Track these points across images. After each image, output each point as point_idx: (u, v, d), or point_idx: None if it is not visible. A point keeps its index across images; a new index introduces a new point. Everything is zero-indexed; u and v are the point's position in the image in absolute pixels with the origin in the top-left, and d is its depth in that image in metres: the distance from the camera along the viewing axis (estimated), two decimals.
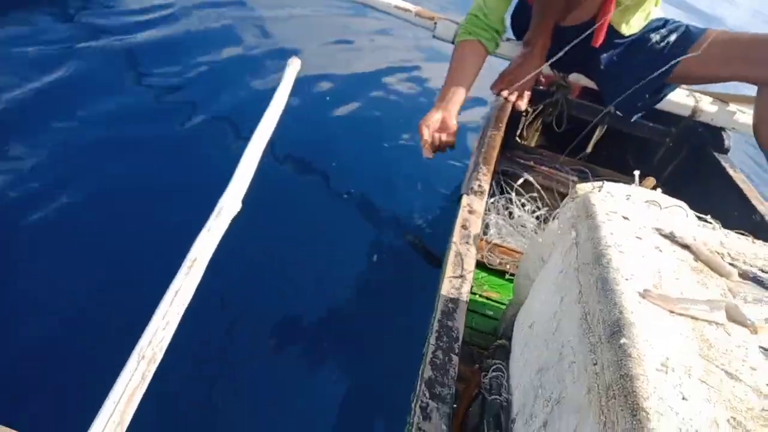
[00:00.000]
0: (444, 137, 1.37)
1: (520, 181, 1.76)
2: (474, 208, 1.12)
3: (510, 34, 1.87)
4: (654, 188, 1.46)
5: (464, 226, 1.05)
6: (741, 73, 1.51)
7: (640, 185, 1.37)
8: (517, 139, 2.08)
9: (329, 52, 2.28)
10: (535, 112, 2.04)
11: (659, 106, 1.77)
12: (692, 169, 1.89)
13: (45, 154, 1.53)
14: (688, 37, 1.57)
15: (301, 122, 1.81)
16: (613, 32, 1.62)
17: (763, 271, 0.72)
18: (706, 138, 1.85)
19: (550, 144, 2.14)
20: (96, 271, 1.28)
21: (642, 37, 1.63)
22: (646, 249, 0.66)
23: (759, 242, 0.74)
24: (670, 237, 0.70)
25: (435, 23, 1.83)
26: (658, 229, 0.71)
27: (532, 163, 1.89)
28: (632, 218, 0.72)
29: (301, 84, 1.49)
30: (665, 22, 1.64)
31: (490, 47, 1.60)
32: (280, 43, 2.25)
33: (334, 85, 2.08)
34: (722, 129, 1.81)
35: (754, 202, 1.52)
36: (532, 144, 2.19)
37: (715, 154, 1.81)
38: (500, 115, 1.62)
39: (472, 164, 1.36)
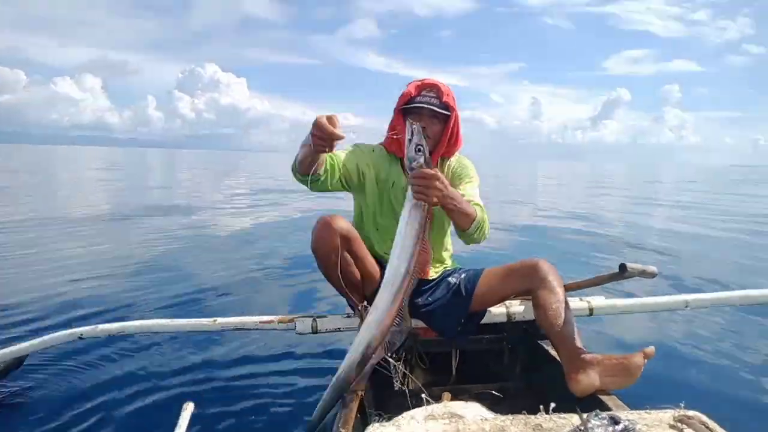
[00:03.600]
0: None
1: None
2: None
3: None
4: (451, 399, 1.79)
5: None
6: (516, 289, 2.06)
7: (440, 400, 1.71)
8: (402, 387, 2.37)
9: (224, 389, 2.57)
10: (400, 361, 2.39)
11: (486, 320, 2.21)
12: (531, 359, 2.26)
13: None
14: (476, 274, 2.13)
15: None
16: (420, 280, 2.13)
17: None
18: (529, 332, 2.26)
19: (433, 379, 2.43)
20: None
21: (442, 281, 2.16)
22: None
23: None
24: None
25: (295, 323, 2.22)
26: None
27: (413, 404, 2.14)
28: None
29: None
30: (456, 269, 2.21)
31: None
32: (176, 388, 2.51)
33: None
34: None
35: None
36: (418, 387, 2.48)
37: (539, 341, 2.21)
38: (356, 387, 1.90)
39: None
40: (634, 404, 1.46)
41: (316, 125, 1.50)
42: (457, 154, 2.21)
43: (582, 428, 1.03)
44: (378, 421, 1.27)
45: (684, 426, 1.09)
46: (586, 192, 19.34)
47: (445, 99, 2.02)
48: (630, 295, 3.29)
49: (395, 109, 2.06)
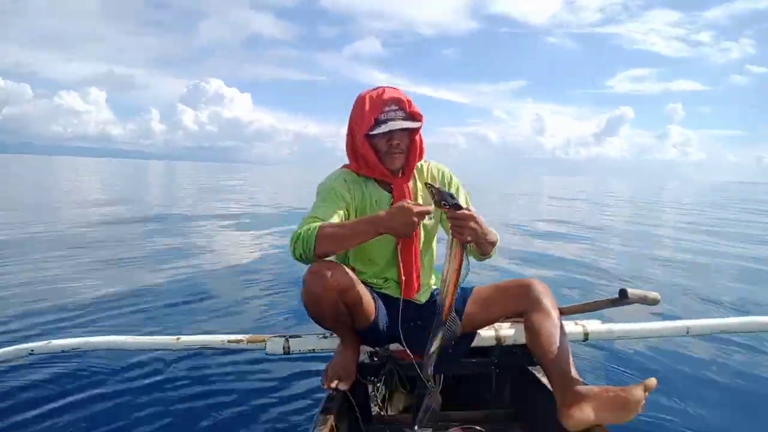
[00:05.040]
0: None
1: None
2: None
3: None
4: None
5: None
6: (508, 310, 1.90)
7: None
8: (381, 412, 2.22)
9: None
10: (381, 384, 2.23)
11: (474, 343, 2.05)
12: (520, 386, 2.11)
13: None
14: (464, 293, 1.97)
15: None
16: (410, 304, 1.97)
17: None
18: (519, 357, 2.11)
19: (415, 404, 2.28)
20: None
21: (431, 303, 2.00)
22: None
23: None
24: None
25: (265, 343, 2.06)
26: None
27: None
28: None
29: None
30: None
31: None
32: (130, 411, 2.33)
33: None
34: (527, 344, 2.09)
35: None
36: (398, 411, 2.32)
37: (530, 368, 2.05)
38: (328, 408, 1.76)
39: None
40: None
41: (412, 215, 1.59)
42: (427, 159, 2.07)
43: None
44: None
45: None
46: (590, 209, 19.17)
47: (410, 109, 1.87)
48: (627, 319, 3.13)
49: (361, 133, 1.86)
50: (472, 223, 1.60)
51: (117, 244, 7.08)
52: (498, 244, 1.89)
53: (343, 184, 1.94)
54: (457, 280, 1.65)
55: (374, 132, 1.84)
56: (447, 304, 1.65)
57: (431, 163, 2.09)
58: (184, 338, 2.04)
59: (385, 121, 1.84)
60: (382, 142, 1.88)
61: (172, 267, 5.71)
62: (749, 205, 25.31)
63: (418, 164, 2.04)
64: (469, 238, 1.63)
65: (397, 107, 1.86)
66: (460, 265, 1.65)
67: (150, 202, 14.77)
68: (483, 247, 1.82)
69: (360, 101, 1.88)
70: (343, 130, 2.01)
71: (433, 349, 1.69)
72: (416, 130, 1.92)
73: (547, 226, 12.32)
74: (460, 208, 1.62)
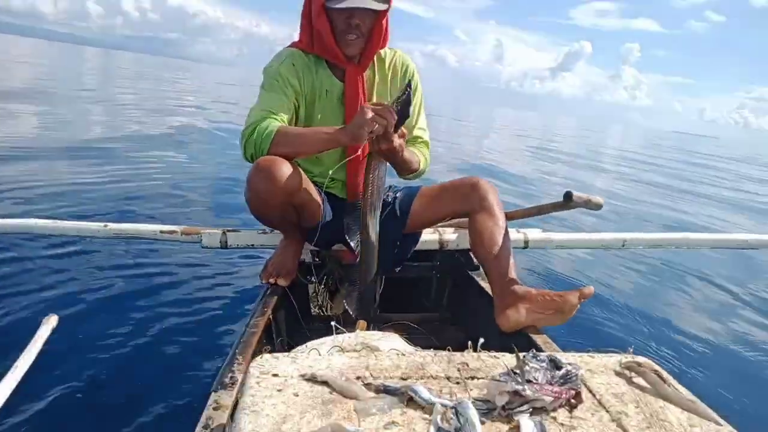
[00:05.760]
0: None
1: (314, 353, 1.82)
2: (221, 404, 1.11)
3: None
4: (367, 328, 1.63)
5: (206, 426, 1.03)
6: (453, 209, 1.86)
7: (355, 329, 1.54)
8: (321, 312, 2.21)
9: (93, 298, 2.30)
10: (321, 284, 2.21)
11: (417, 247, 2.03)
12: (459, 290, 2.13)
13: None
14: (410, 193, 1.91)
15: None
16: (356, 205, 1.90)
17: (402, 379, 0.84)
18: (460, 261, 2.12)
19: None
20: None
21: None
22: (282, 398, 0.75)
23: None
24: (311, 378, 0.80)
25: (200, 236, 1.96)
26: (302, 375, 0.81)
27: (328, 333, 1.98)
28: (281, 373, 0.81)
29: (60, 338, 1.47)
30: (390, 186, 1.98)
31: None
32: (36, 300, 2.21)
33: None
34: (469, 250, 2.09)
35: None
36: (339, 313, 2.32)
37: (469, 272, 2.07)
38: (267, 301, 1.72)
39: (229, 357, 1.35)
40: (567, 346, 1.36)
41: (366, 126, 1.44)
42: (393, 47, 1.88)
43: (517, 371, 0.85)
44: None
45: (633, 374, 0.94)
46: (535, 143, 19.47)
47: None
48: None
49: (318, 2, 1.65)
50: (384, 145, 1.51)
51: (45, 121, 6.57)
52: (422, 171, 1.85)
53: (291, 69, 1.75)
54: (367, 181, 1.59)
55: (333, 5, 1.62)
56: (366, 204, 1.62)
57: (397, 53, 1.90)
58: (112, 226, 1.90)
59: None
60: (340, 18, 1.66)
61: (99, 149, 5.37)
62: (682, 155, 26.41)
63: (381, 52, 1.84)
64: (377, 150, 1.54)
65: None
66: (370, 168, 1.59)
67: (84, 85, 13.86)
68: (399, 170, 1.76)
69: None
70: (298, 35, 1.79)
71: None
72: (382, 13, 1.70)
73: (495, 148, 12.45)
74: (396, 128, 1.50)
